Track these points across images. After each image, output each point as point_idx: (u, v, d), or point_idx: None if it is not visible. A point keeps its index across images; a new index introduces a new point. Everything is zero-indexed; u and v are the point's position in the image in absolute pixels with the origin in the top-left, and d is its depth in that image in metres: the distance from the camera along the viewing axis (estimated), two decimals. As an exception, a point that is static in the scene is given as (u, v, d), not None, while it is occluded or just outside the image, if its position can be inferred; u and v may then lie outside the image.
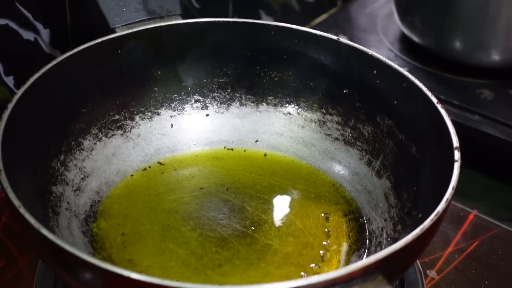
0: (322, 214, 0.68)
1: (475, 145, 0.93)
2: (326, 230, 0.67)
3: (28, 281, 0.66)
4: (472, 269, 0.71)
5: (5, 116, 0.59)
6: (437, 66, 1.02)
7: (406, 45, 1.07)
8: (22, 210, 0.51)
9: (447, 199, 0.54)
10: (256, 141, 0.76)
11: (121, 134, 0.73)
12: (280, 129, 0.76)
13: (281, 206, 0.69)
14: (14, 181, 0.54)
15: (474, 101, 0.95)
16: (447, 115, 0.62)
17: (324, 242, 0.65)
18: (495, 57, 0.97)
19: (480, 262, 0.72)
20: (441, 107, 0.63)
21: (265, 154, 0.75)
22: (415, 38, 1.03)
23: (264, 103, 0.77)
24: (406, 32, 1.05)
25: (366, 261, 0.48)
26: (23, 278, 0.68)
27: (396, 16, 1.06)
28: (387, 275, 0.49)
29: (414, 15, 1.02)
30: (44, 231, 0.50)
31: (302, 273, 0.62)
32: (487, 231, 0.75)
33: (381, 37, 1.10)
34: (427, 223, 0.52)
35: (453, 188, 0.56)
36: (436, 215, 0.53)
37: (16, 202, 0.52)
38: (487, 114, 0.93)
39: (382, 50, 1.06)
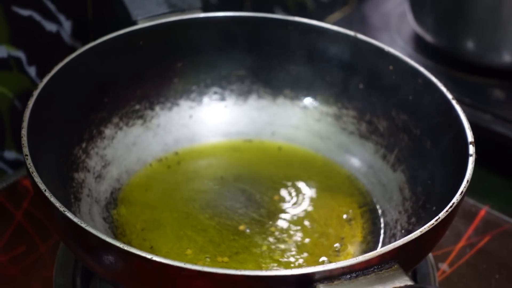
0: (337, 206, 0.70)
1: (487, 144, 0.93)
2: (340, 221, 0.68)
3: (48, 266, 0.67)
4: (483, 263, 0.72)
5: (31, 103, 0.61)
6: (449, 65, 1.03)
7: (419, 45, 1.08)
8: (47, 194, 0.53)
9: (462, 192, 0.56)
10: (273, 133, 0.77)
11: (141, 124, 0.74)
12: (296, 122, 0.77)
13: (296, 197, 0.71)
14: (39, 166, 0.56)
15: (485, 100, 0.96)
16: (462, 111, 0.63)
17: (339, 233, 0.66)
18: (507, 58, 0.98)
19: (491, 256, 0.73)
20: (456, 102, 0.64)
21: (281, 146, 0.76)
22: (428, 38, 1.04)
23: (281, 96, 0.78)
24: (419, 32, 1.06)
25: (383, 249, 0.49)
26: (43, 263, 0.69)
27: (409, 16, 1.07)
28: (402, 264, 0.50)
29: (427, 16, 1.03)
30: (69, 215, 0.51)
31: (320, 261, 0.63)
32: (498, 226, 0.76)
33: (394, 36, 1.11)
34: (442, 214, 0.53)
35: (467, 181, 0.57)
36: (451, 207, 0.54)
37: (42, 186, 0.53)
38: (499, 114, 0.94)
39: (395, 49, 1.06)
